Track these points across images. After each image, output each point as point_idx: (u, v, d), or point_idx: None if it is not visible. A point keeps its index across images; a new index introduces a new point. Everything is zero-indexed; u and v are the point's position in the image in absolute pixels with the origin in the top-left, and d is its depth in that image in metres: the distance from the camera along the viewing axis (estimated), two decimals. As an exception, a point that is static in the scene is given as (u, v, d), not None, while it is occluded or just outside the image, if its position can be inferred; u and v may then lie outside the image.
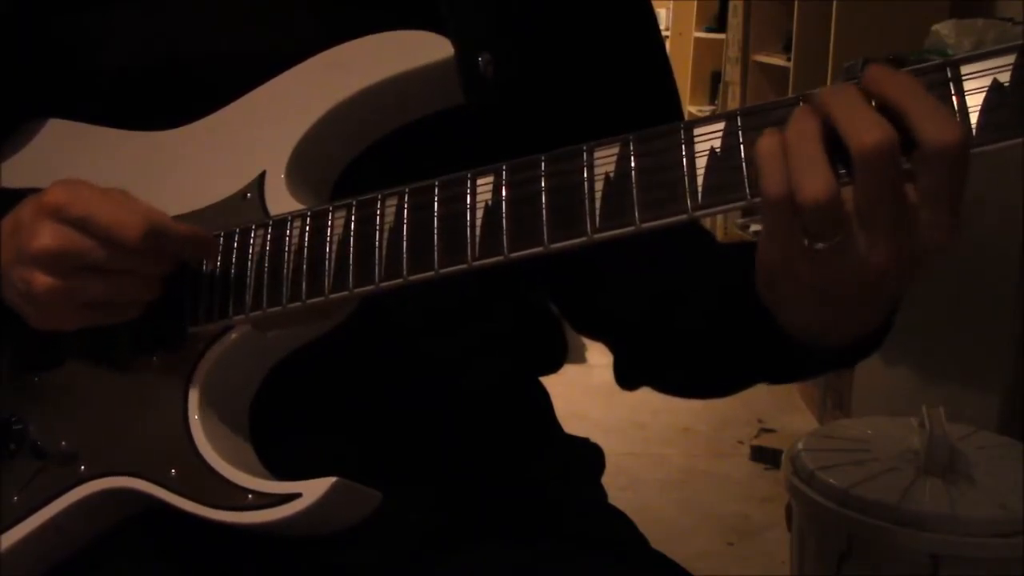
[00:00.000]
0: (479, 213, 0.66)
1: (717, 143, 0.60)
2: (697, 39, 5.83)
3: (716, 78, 5.42)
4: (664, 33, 5.96)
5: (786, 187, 0.57)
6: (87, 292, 0.70)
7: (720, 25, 5.37)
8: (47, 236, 0.69)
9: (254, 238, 0.73)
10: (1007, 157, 0.56)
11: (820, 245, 0.57)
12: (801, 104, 0.58)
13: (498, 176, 0.66)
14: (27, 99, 0.83)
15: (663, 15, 6.23)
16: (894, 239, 0.57)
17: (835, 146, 0.56)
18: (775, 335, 0.68)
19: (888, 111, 0.55)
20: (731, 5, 4.92)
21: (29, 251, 0.69)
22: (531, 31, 0.81)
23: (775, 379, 0.82)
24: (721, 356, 0.79)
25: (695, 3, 5.91)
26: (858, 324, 0.65)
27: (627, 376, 0.88)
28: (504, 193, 0.65)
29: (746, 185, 0.59)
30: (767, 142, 0.58)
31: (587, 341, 1.15)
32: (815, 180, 0.56)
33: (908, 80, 0.56)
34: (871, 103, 0.56)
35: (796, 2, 3.72)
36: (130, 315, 0.73)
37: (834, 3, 3.11)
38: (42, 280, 0.69)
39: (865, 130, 0.55)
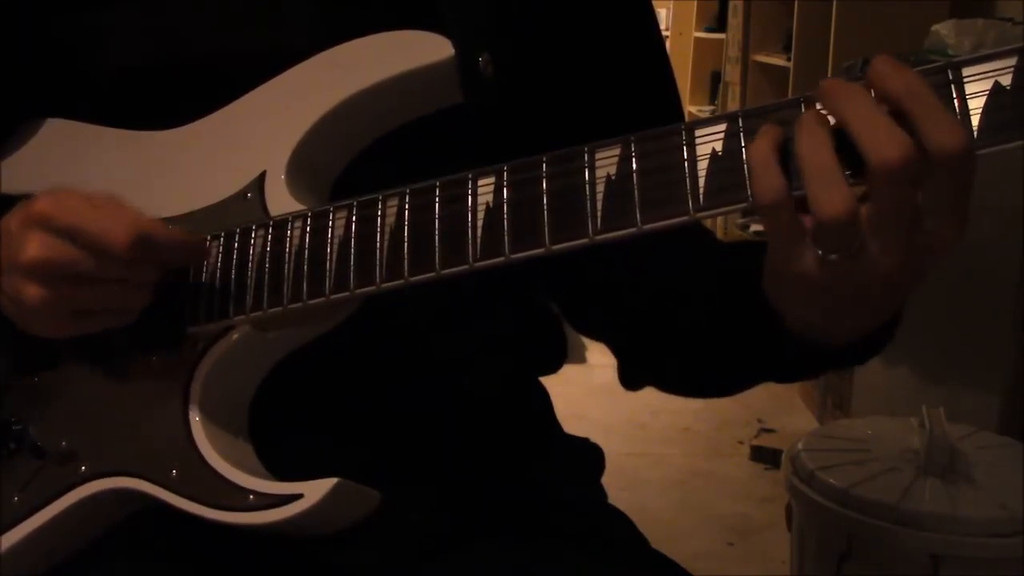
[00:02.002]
0: (480, 214, 0.65)
1: (719, 144, 0.60)
2: (697, 39, 5.83)
3: (716, 78, 5.42)
4: (664, 33, 5.95)
5: (780, 193, 0.57)
6: (77, 301, 0.70)
7: (720, 25, 5.36)
8: (35, 247, 0.69)
9: (254, 238, 0.73)
10: (1007, 158, 0.56)
11: (834, 257, 0.58)
12: (805, 108, 0.58)
13: (499, 177, 0.66)
14: (27, 99, 0.82)
15: (663, 15, 6.23)
16: (904, 244, 0.57)
17: (839, 144, 0.56)
18: (780, 333, 0.68)
19: (893, 111, 0.55)
20: (731, 5, 4.92)
21: (18, 262, 0.69)
22: (531, 31, 0.81)
23: (779, 378, 0.82)
24: (725, 354, 0.79)
25: (695, 3, 5.91)
26: (864, 323, 0.65)
27: (631, 377, 0.88)
28: (505, 194, 0.65)
29: (748, 186, 0.59)
30: (758, 150, 0.58)
31: (587, 341, 1.14)
32: (834, 197, 0.55)
33: (914, 80, 0.55)
34: (885, 109, 0.55)
35: (796, 2, 3.72)
36: (122, 322, 0.73)
37: (834, 3, 3.11)
38: (32, 290, 0.69)
39: (887, 145, 0.54)
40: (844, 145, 0.56)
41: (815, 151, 0.56)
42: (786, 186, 0.57)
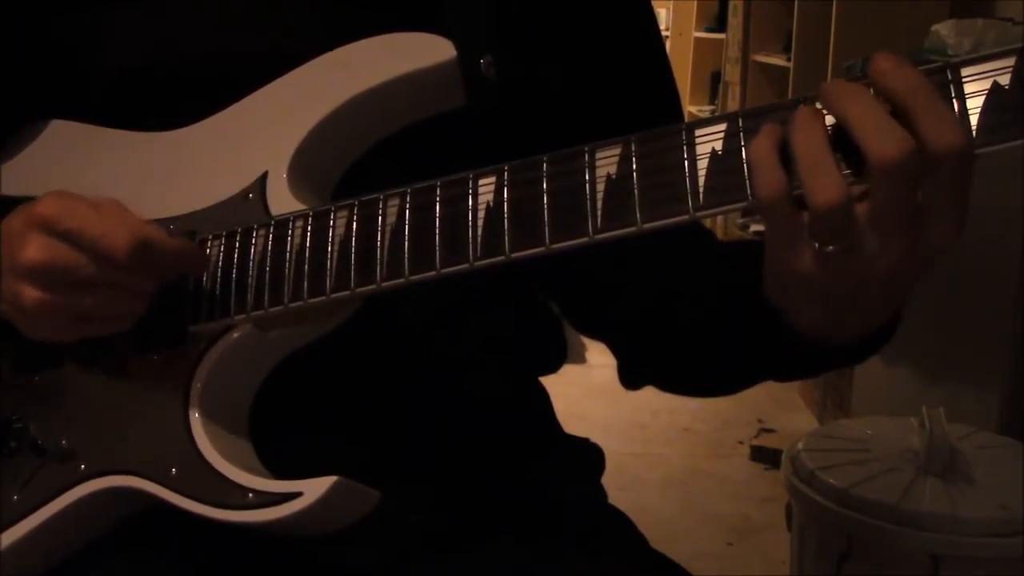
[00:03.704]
0: (480, 213, 0.66)
1: (718, 144, 0.60)
2: (697, 39, 5.83)
3: (716, 78, 5.42)
4: (664, 33, 5.96)
5: (780, 190, 0.57)
6: (76, 306, 0.70)
7: (720, 25, 5.37)
8: (35, 249, 0.68)
9: (256, 238, 0.73)
10: (1007, 158, 0.56)
11: (830, 248, 0.58)
12: (803, 104, 0.58)
13: (500, 177, 0.66)
14: (27, 99, 0.82)
15: (663, 15, 6.23)
16: (905, 241, 0.57)
17: (839, 144, 0.56)
18: (781, 332, 0.68)
19: (894, 109, 0.56)
20: (731, 5, 4.93)
21: (18, 264, 0.69)
22: (532, 33, 0.81)
23: (780, 376, 0.82)
24: (726, 353, 0.79)
25: (695, 3, 5.91)
26: (865, 322, 0.65)
27: (631, 376, 0.88)
28: (506, 193, 0.65)
29: (747, 186, 0.59)
30: (759, 146, 0.58)
31: (587, 341, 1.15)
32: (826, 185, 0.56)
33: (914, 77, 0.56)
34: (885, 107, 0.56)
35: (796, 2, 3.72)
36: (121, 328, 0.72)
37: (834, 3, 3.11)
38: (31, 294, 0.69)
39: (887, 142, 0.54)
40: (845, 144, 0.56)
41: (809, 141, 0.57)
42: (785, 182, 0.57)
